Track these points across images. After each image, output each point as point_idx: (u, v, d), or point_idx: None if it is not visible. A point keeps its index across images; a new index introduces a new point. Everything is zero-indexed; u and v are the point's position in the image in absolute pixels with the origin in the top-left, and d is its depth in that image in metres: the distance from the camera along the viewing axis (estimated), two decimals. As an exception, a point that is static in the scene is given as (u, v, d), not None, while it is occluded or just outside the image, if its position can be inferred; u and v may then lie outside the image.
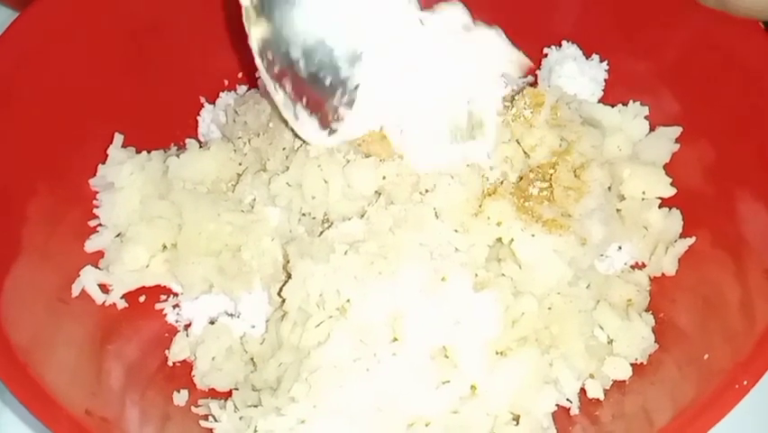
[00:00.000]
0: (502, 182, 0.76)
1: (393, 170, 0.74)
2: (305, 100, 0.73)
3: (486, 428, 0.69)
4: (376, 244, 0.71)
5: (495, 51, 0.77)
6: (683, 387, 0.68)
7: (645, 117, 0.86)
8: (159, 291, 0.83)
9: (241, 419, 0.70)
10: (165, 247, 0.82)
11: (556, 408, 0.71)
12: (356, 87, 0.72)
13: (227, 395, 0.75)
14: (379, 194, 0.75)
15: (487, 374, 0.69)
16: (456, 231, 0.73)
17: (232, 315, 0.79)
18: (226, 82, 0.97)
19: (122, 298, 0.80)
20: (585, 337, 0.74)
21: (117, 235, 0.82)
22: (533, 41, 0.96)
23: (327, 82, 0.72)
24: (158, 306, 0.83)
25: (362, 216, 0.73)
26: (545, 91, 0.80)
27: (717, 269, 0.76)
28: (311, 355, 0.68)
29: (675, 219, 0.82)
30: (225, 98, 0.95)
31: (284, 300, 0.73)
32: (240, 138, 0.85)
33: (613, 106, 0.88)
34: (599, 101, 0.91)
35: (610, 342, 0.75)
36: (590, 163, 0.77)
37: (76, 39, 0.83)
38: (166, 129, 0.93)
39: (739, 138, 0.79)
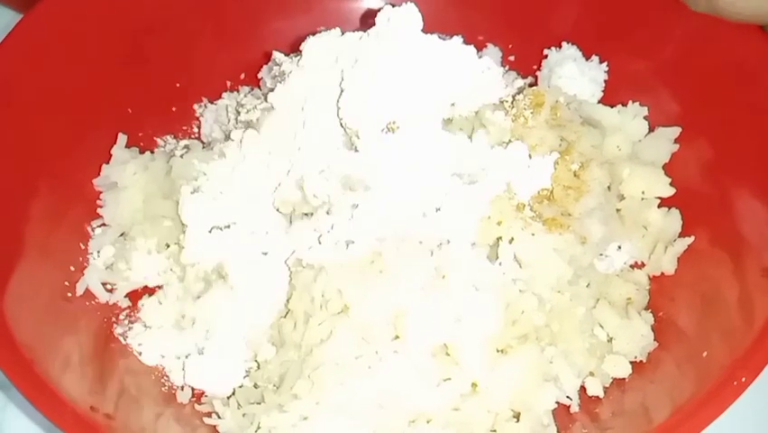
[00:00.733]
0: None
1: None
2: None
3: (486, 425, 0.69)
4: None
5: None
6: (682, 384, 0.68)
7: (645, 117, 0.86)
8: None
9: (244, 415, 0.70)
10: (168, 246, 0.82)
11: (556, 405, 0.72)
12: None
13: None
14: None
15: (488, 372, 0.69)
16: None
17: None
18: (229, 83, 0.98)
19: (125, 296, 0.81)
20: (585, 335, 0.75)
21: (121, 235, 0.83)
22: (533, 42, 0.97)
23: None
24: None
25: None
26: (545, 91, 0.81)
27: (715, 267, 0.77)
28: (313, 353, 0.69)
29: (674, 218, 0.82)
30: (228, 99, 0.96)
31: (288, 300, 0.74)
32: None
33: (613, 107, 0.88)
34: (599, 101, 0.91)
35: (610, 340, 0.75)
36: (590, 163, 0.77)
37: (79, 40, 0.84)
38: (169, 129, 0.93)
39: (738, 138, 0.79)
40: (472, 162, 0.75)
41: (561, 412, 0.72)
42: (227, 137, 0.88)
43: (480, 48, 0.94)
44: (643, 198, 0.84)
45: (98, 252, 0.81)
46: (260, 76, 0.95)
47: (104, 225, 0.83)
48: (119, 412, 0.66)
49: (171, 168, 0.83)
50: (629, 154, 0.85)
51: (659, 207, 0.83)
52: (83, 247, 0.81)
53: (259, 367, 0.74)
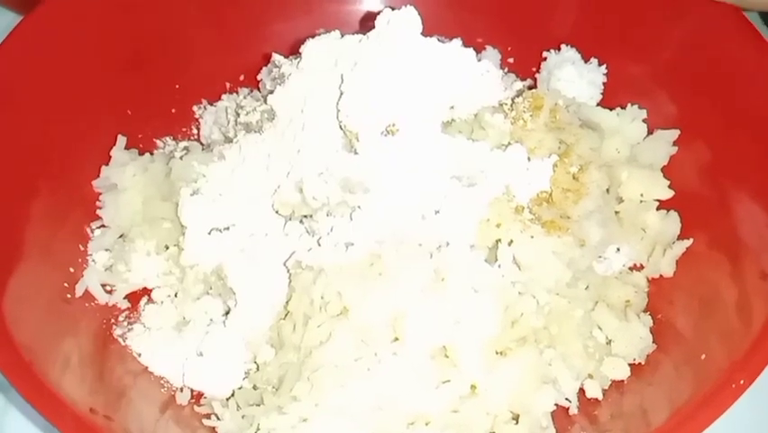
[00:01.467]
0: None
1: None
2: None
3: (485, 427, 0.69)
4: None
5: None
6: (681, 387, 0.68)
7: (643, 120, 0.87)
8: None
9: (243, 417, 0.70)
10: (167, 248, 0.82)
11: (555, 407, 0.72)
12: None
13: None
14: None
15: (486, 374, 0.69)
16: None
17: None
18: (228, 85, 0.98)
19: (125, 298, 0.81)
20: (584, 338, 0.75)
21: (120, 236, 0.83)
22: (532, 44, 0.97)
23: None
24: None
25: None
26: (544, 94, 0.81)
27: (714, 270, 0.77)
28: (313, 355, 0.69)
29: (673, 221, 0.82)
30: (227, 100, 0.96)
31: (287, 302, 0.74)
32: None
33: (611, 110, 0.88)
34: (598, 104, 0.92)
35: (609, 342, 0.75)
36: (589, 166, 0.78)
37: (79, 41, 0.84)
38: (168, 131, 0.94)
39: (736, 140, 0.80)
40: (471, 165, 0.75)
41: (559, 414, 0.72)
42: (227, 139, 0.88)
43: (479, 50, 0.95)
44: (641, 201, 0.84)
45: (98, 253, 0.81)
46: (259, 78, 0.95)
47: (103, 226, 0.83)
48: (118, 414, 0.66)
49: (171, 170, 0.83)
50: (628, 157, 0.85)
51: (657, 209, 0.84)
52: (82, 249, 0.81)
53: (258, 369, 0.74)
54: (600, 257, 0.82)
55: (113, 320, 0.79)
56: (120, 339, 0.78)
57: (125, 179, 0.83)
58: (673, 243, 0.82)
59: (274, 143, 0.79)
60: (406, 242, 0.71)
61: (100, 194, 0.84)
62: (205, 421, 0.71)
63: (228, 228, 0.79)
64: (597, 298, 0.78)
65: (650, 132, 0.87)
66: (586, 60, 0.94)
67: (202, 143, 0.94)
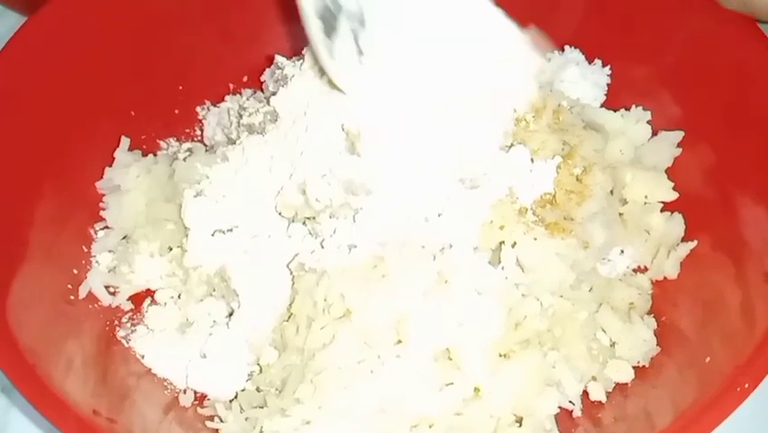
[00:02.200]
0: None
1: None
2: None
3: (489, 430, 0.69)
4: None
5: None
6: (685, 390, 0.68)
7: (648, 122, 0.86)
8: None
9: (246, 419, 0.70)
10: (170, 249, 0.82)
11: (559, 410, 0.72)
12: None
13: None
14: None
15: (490, 376, 0.69)
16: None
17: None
18: (231, 86, 0.98)
19: (128, 300, 0.81)
20: (587, 340, 0.74)
21: (123, 238, 0.83)
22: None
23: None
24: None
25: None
26: (548, 95, 0.81)
27: (718, 272, 0.77)
28: (316, 357, 0.69)
29: (677, 223, 0.82)
30: (230, 102, 0.96)
31: (290, 304, 0.74)
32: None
33: (615, 111, 0.88)
34: (602, 106, 0.92)
35: (612, 345, 0.75)
36: (593, 167, 0.77)
37: (83, 43, 0.84)
38: (172, 132, 0.94)
39: (741, 142, 0.79)
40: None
41: (563, 417, 0.72)
42: (230, 140, 0.88)
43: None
44: (645, 203, 0.84)
45: (101, 255, 0.81)
46: (262, 79, 0.95)
47: (107, 228, 0.83)
48: (122, 416, 0.66)
49: (174, 171, 0.83)
50: (632, 159, 0.85)
51: (662, 211, 0.83)
52: (86, 250, 0.81)
53: (261, 371, 0.74)
54: (604, 259, 0.82)
55: (116, 322, 0.79)
56: (123, 341, 0.78)
57: (129, 181, 0.83)
58: (677, 245, 0.82)
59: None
60: (410, 244, 0.71)
61: (103, 195, 0.84)
62: (209, 423, 0.71)
63: (231, 230, 0.79)
64: (600, 300, 0.77)
65: (654, 133, 0.87)
66: (590, 62, 0.94)
67: (205, 145, 0.94)
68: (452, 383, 0.69)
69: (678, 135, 0.85)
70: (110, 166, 0.85)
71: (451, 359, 0.70)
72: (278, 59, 0.87)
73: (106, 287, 0.80)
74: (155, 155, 0.89)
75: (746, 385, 0.61)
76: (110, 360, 0.74)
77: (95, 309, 0.78)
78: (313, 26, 0.71)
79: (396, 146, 0.72)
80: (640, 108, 0.87)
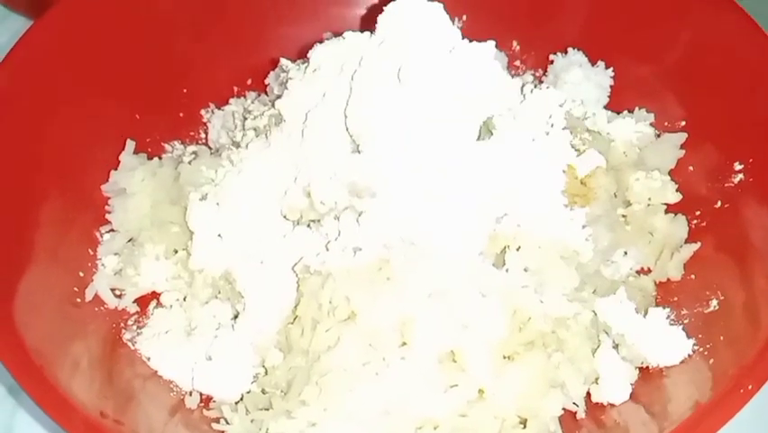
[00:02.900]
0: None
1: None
2: None
3: (493, 431, 0.69)
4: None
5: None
6: (688, 391, 0.69)
7: (651, 124, 0.87)
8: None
9: (252, 421, 0.70)
10: (176, 252, 0.83)
11: (563, 411, 0.72)
12: None
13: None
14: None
15: (494, 378, 0.69)
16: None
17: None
18: (236, 89, 0.98)
19: (134, 302, 0.81)
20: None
21: (129, 241, 0.83)
22: (539, 47, 0.98)
23: None
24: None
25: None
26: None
27: (721, 274, 0.77)
28: (321, 359, 0.69)
29: (680, 225, 0.82)
30: (235, 105, 0.96)
31: (295, 306, 0.74)
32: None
33: (619, 113, 0.89)
34: (605, 107, 0.92)
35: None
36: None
37: (88, 47, 0.84)
38: (176, 135, 0.94)
39: (744, 143, 0.80)
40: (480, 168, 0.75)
41: (567, 418, 0.72)
42: (234, 143, 0.89)
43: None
44: (649, 205, 0.84)
45: (107, 257, 0.82)
46: (267, 82, 0.96)
47: (112, 230, 0.84)
48: (128, 417, 0.66)
49: (179, 174, 0.84)
50: (635, 160, 0.85)
51: (665, 213, 0.84)
52: (91, 253, 0.82)
53: (266, 373, 0.74)
54: (608, 261, 0.82)
55: (122, 324, 0.79)
56: (129, 343, 0.78)
57: (134, 184, 0.83)
58: (681, 246, 0.82)
59: (281, 148, 0.80)
60: (414, 246, 0.72)
61: (109, 198, 0.85)
62: (215, 426, 0.72)
63: (236, 233, 0.79)
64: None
65: (657, 135, 0.87)
66: (593, 63, 0.94)
67: (210, 148, 0.94)
68: (456, 385, 0.69)
69: (681, 137, 0.86)
70: (115, 169, 0.85)
71: (455, 361, 0.70)
72: (283, 62, 0.87)
73: (112, 289, 0.80)
74: (160, 158, 0.89)
75: (750, 387, 0.61)
76: (116, 362, 0.75)
77: (101, 312, 0.78)
78: None
79: (400, 148, 0.72)
80: (643, 110, 0.88)
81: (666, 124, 0.88)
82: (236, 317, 0.78)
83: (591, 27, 0.94)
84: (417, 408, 0.68)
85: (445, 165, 0.73)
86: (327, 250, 0.72)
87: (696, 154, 0.85)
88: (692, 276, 0.81)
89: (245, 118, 0.90)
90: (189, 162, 0.85)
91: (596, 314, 0.75)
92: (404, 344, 0.70)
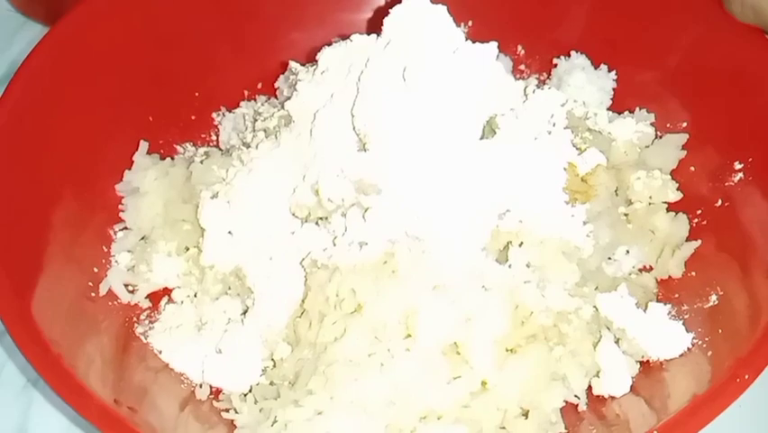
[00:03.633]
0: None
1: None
2: None
3: (496, 422, 0.70)
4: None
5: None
6: (688, 383, 0.70)
7: (651, 124, 0.88)
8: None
9: (260, 411, 0.72)
10: (187, 249, 0.85)
11: (564, 403, 0.73)
12: None
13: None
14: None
15: (497, 370, 0.71)
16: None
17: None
18: (246, 92, 1.00)
19: (146, 297, 0.83)
20: (593, 336, 0.76)
21: (142, 238, 0.85)
22: (542, 51, 0.99)
23: None
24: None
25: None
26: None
27: (721, 270, 0.78)
28: (328, 351, 0.71)
29: (681, 223, 0.84)
30: (245, 107, 0.98)
31: (303, 301, 0.76)
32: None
33: (620, 114, 0.90)
34: (608, 110, 0.93)
35: (617, 341, 0.77)
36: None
37: (103, 52, 0.87)
38: (188, 137, 0.96)
39: (744, 143, 0.81)
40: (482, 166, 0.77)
41: (568, 410, 0.73)
42: (245, 144, 0.91)
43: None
44: (650, 204, 0.85)
45: (120, 254, 0.84)
46: (276, 85, 0.98)
47: (126, 228, 0.86)
48: (140, 406, 0.68)
49: (191, 174, 0.86)
50: (636, 160, 0.86)
51: (666, 211, 0.85)
52: (106, 250, 0.84)
53: (275, 366, 0.76)
54: (610, 259, 0.83)
55: (134, 319, 0.81)
56: (141, 337, 0.80)
57: (147, 183, 0.86)
58: (682, 244, 0.83)
59: (290, 148, 0.82)
60: (419, 241, 0.73)
61: (122, 198, 0.87)
62: (224, 415, 0.73)
63: (246, 230, 0.81)
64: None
65: (659, 136, 0.88)
66: (596, 66, 0.96)
67: (221, 149, 0.96)
68: (459, 377, 0.71)
69: (682, 138, 0.87)
70: (129, 169, 0.88)
71: (459, 353, 0.71)
72: (292, 65, 0.89)
73: (125, 285, 0.82)
74: (172, 159, 0.91)
75: (747, 376, 0.63)
76: (129, 355, 0.76)
77: (114, 306, 0.80)
78: None
79: (406, 147, 0.74)
80: (644, 111, 0.89)
81: (668, 125, 0.89)
82: (246, 312, 0.79)
83: (594, 31, 0.96)
84: (421, 398, 0.69)
85: (449, 163, 0.74)
86: (334, 245, 0.74)
87: (697, 154, 0.86)
88: (693, 273, 0.82)
89: (255, 120, 0.92)
90: (201, 162, 0.87)
91: (597, 309, 0.76)
92: (408, 336, 0.71)
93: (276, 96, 0.98)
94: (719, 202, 0.82)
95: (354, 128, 0.76)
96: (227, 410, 0.74)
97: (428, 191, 0.74)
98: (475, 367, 0.71)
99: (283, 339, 0.76)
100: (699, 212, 0.84)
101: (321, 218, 0.79)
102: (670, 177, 0.85)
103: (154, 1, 0.91)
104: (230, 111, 0.99)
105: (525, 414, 0.71)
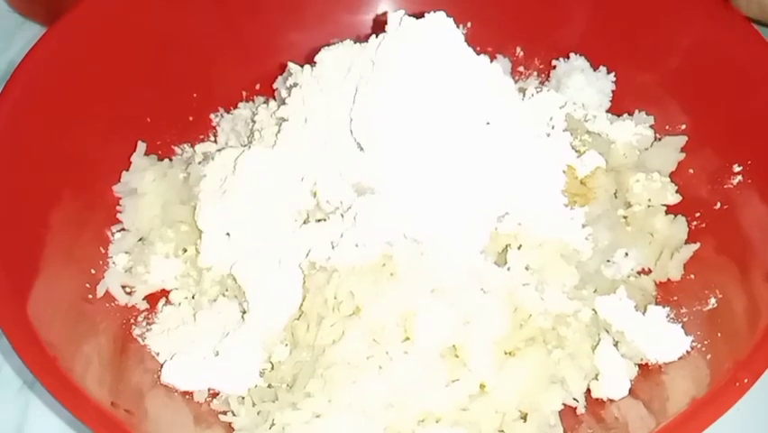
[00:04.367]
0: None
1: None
2: None
3: (494, 425, 0.70)
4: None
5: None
6: (686, 386, 0.70)
7: (650, 126, 0.88)
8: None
9: (258, 413, 0.72)
10: (185, 251, 0.85)
11: (563, 406, 0.73)
12: None
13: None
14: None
15: (495, 373, 0.71)
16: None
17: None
18: (244, 93, 1.00)
19: (144, 299, 0.83)
20: (591, 339, 0.76)
21: (140, 239, 0.85)
22: (541, 52, 0.99)
23: None
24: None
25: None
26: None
27: (720, 273, 0.78)
28: (326, 353, 0.70)
29: (680, 226, 0.84)
30: (243, 109, 0.98)
31: (301, 303, 0.75)
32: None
33: (619, 116, 0.90)
34: (607, 111, 0.93)
35: (616, 344, 0.77)
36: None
37: (100, 52, 0.86)
38: (186, 138, 0.96)
39: (743, 146, 0.81)
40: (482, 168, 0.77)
41: (567, 414, 0.73)
42: (243, 145, 0.90)
43: (490, 59, 0.96)
44: (649, 206, 0.85)
45: (118, 255, 0.83)
46: (275, 86, 0.97)
47: (123, 230, 0.86)
48: (138, 408, 0.68)
49: (189, 175, 0.86)
50: (635, 162, 0.86)
51: (665, 214, 0.85)
52: (103, 251, 0.83)
53: (273, 368, 0.76)
54: (609, 261, 0.83)
55: (132, 320, 0.81)
56: (139, 339, 0.80)
57: (145, 184, 0.85)
58: (681, 247, 0.83)
59: (288, 149, 0.81)
60: (418, 244, 0.73)
61: (120, 199, 0.87)
62: (222, 417, 0.73)
63: (244, 232, 0.81)
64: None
65: (658, 138, 0.88)
66: (595, 68, 0.96)
67: (219, 150, 0.96)
68: (458, 379, 0.70)
69: (681, 140, 0.87)
70: (127, 170, 0.87)
71: (457, 356, 0.71)
72: (291, 66, 0.89)
73: (123, 287, 0.82)
74: (170, 160, 0.91)
75: (746, 380, 0.62)
76: (126, 357, 0.76)
77: (112, 308, 0.80)
78: None
79: (404, 149, 0.74)
80: (643, 113, 0.89)
81: (667, 127, 0.89)
82: (243, 314, 0.79)
83: (593, 33, 0.96)
84: (420, 401, 0.69)
85: (447, 165, 0.74)
86: (333, 247, 0.74)
87: (696, 157, 0.86)
88: (692, 276, 0.82)
89: (254, 121, 0.92)
90: (199, 163, 0.87)
91: (596, 312, 0.76)
92: (407, 338, 0.71)
93: (274, 98, 0.98)
94: (718, 205, 0.82)
95: (352, 131, 0.76)
96: (225, 413, 0.74)
97: (426, 193, 0.74)
98: (474, 370, 0.71)
99: (281, 341, 0.76)
100: (698, 214, 0.84)
101: (319, 220, 0.79)
102: (669, 179, 0.85)
103: (153, 2, 0.91)
104: (228, 112, 0.99)
105: (524, 417, 0.71)
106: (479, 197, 0.75)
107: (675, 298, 0.81)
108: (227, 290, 0.82)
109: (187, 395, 0.75)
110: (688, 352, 0.73)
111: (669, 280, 0.83)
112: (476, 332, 0.71)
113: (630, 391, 0.73)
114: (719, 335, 0.72)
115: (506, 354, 0.72)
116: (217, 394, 0.76)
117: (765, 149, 0.79)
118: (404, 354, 0.70)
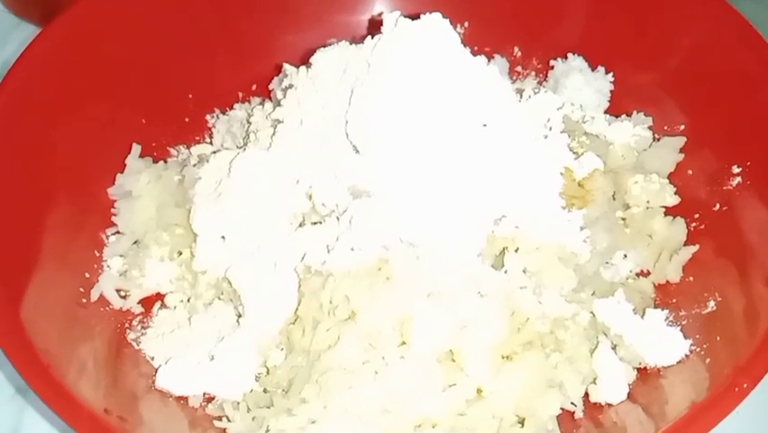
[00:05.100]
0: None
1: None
2: None
3: (492, 430, 0.70)
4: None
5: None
6: (685, 391, 0.69)
7: (649, 127, 0.87)
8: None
9: (253, 419, 0.71)
10: (180, 254, 0.84)
11: (561, 411, 0.72)
12: None
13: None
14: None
15: (493, 378, 0.70)
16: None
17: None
18: (240, 94, 1.00)
19: (138, 303, 0.82)
20: (590, 343, 0.75)
21: (134, 242, 0.85)
22: (539, 52, 0.99)
23: None
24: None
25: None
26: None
27: (719, 275, 0.78)
28: (321, 358, 0.70)
29: (679, 227, 0.83)
30: (239, 110, 0.98)
31: (297, 308, 0.75)
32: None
33: (618, 117, 0.89)
34: (605, 112, 0.93)
35: (614, 347, 0.76)
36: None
37: (95, 53, 0.86)
38: (182, 139, 0.95)
39: (742, 147, 0.80)
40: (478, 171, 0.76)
41: (565, 418, 0.73)
42: (239, 147, 0.90)
43: (487, 59, 0.96)
44: (648, 208, 0.85)
45: (112, 259, 0.83)
46: (271, 87, 0.97)
47: (118, 233, 0.85)
48: (132, 415, 0.67)
49: (184, 177, 0.85)
50: (634, 164, 0.86)
51: (664, 215, 0.84)
52: (97, 254, 0.83)
53: (268, 373, 0.75)
54: (607, 263, 0.82)
55: (127, 324, 0.81)
56: (133, 343, 0.79)
57: (140, 187, 0.85)
58: (680, 249, 0.82)
59: (284, 151, 0.81)
60: (414, 247, 0.73)
61: (115, 201, 0.86)
62: (216, 423, 0.73)
63: (239, 235, 0.80)
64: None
65: (657, 139, 0.88)
66: (593, 68, 0.95)
67: (215, 152, 0.95)
68: (455, 384, 0.70)
69: (680, 141, 0.87)
70: (121, 173, 0.87)
71: (454, 361, 0.71)
72: (287, 67, 0.88)
73: (117, 290, 0.81)
74: (165, 162, 0.90)
75: (745, 385, 0.62)
76: (121, 361, 0.76)
77: (106, 312, 0.80)
78: None
79: (400, 151, 0.73)
80: (642, 114, 0.89)
81: (666, 128, 0.89)
82: (239, 318, 0.79)
83: (591, 33, 0.95)
84: (416, 406, 0.69)
85: (444, 167, 0.74)
86: (328, 251, 0.73)
87: (695, 158, 0.86)
88: (691, 278, 0.81)
89: (249, 123, 0.91)
90: (194, 166, 0.86)
91: (594, 315, 0.76)
92: (403, 343, 0.71)
93: (270, 99, 0.97)
94: (717, 206, 0.82)
95: (348, 133, 0.75)
96: (220, 418, 0.73)
97: (422, 196, 0.73)
98: (471, 374, 0.70)
99: (277, 346, 0.75)
100: (696, 216, 0.83)
101: (315, 223, 0.78)
102: (667, 181, 0.85)
103: (147, 3, 0.90)
104: (224, 113, 0.98)
105: (522, 422, 0.71)
106: (475, 199, 0.74)
107: (674, 300, 0.81)
108: (222, 294, 0.81)
109: (182, 400, 0.75)
110: (687, 356, 0.73)
111: (668, 282, 0.83)
112: (473, 336, 0.71)
113: (629, 395, 0.73)
114: (718, 338, 0.72)
115: (503, 358, 0.72)
116: (212, 399, 0.76)
117: (765, 150, 0.78)
118: (400, 358, 0.70)
